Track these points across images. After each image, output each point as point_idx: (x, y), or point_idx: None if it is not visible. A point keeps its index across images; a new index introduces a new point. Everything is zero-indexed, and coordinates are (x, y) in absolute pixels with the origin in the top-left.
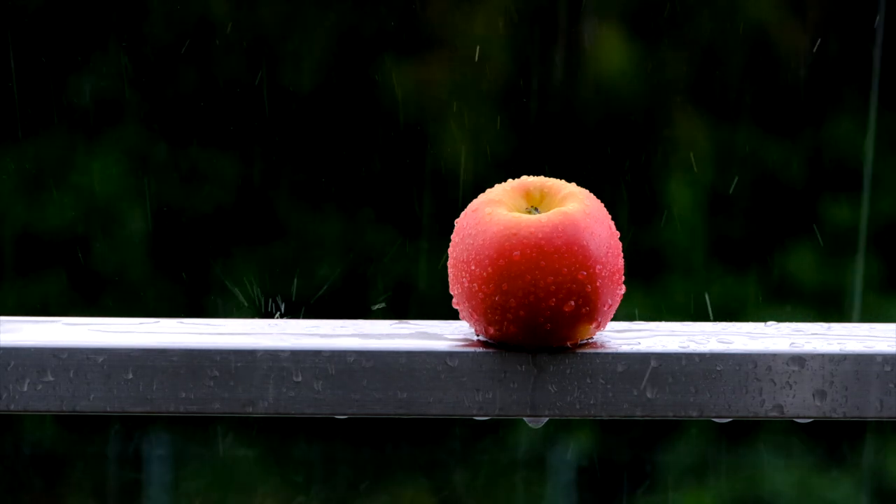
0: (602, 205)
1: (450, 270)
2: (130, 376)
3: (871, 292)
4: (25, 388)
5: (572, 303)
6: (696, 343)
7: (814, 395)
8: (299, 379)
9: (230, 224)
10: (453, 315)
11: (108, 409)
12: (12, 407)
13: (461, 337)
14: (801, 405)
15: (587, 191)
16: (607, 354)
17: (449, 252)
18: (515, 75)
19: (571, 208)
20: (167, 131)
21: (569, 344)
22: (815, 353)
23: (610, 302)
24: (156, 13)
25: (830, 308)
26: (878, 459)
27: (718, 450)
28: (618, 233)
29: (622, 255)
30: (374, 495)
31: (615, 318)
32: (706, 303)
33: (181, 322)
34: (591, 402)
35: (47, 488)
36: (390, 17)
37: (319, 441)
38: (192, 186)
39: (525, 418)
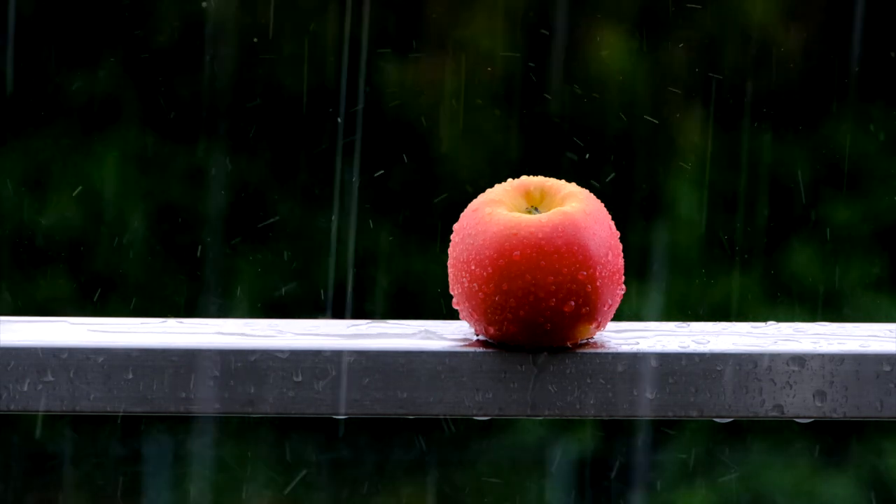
0: (602, 205)
1: (450, 270)
2: (130, 376)
3: (871, 292)
4: (25, 388)
5: (572, 303)
6: (696, 343)
7: (814, 395)
8: (299, 379)
9: (230, 224)
10: (453, 315)
11: (108, 409)
12: (12, 407)
13: (461, 337)
14: (801, 405)
15: (587, 191)
16: (607, 354)
17: (449, 252)
18: (515, 75)
19: (571, 208)
20: (167, 131)
21: (569, 344)
22: (815, 353)
23: (610, 302)
24: (156, 12)
25: (830, 308)
26: (877, 459)
27: (718, 450)
28: (618, 233)
29: (622, 255)
30: (373, 495)
31: (615, 318)
32: (706, 303)
33: (181, 322)
34: (591, 402)
35: (47, 488)
36: (390, 17)
37: (319, 441)
38: (192, 186)
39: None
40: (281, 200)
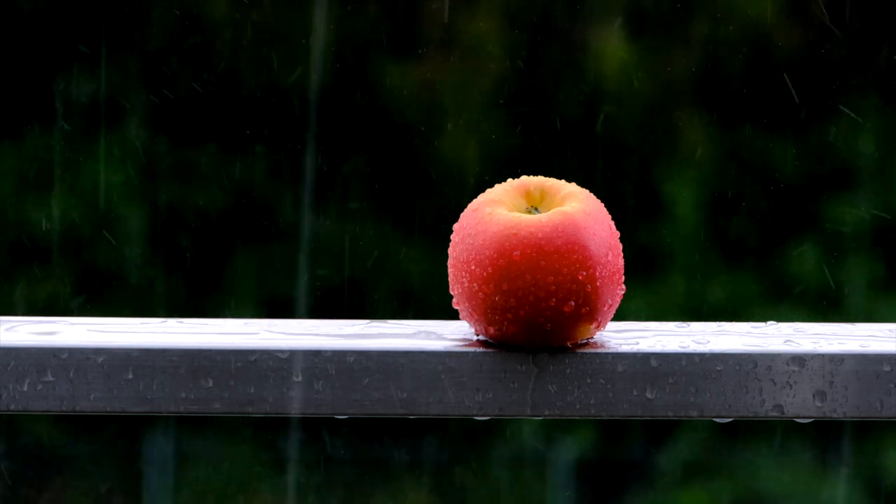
0: (602, 205)
1: (450, 270)
2: (130, 376)
3: (871, 292)
4: (25, 388)
5: (572, 303)
6: (696, 343)
7: (814, 396)
8: (299, 379)
9: (230, 224)
10: (453, 315)
11: (108, 409)
12: (12, 407)
13: (461, 337)
14: (801, 405)
15: (587, 191)
16: (607, 354)
17: (449, 252)
18: (515, 75)
19: (571, 208)
20: (167, 131)
21: (569, 344)
22: (815, 353)
23: (610, 302)
24: (156, 12)
25: (830, 308)
26: (877, 459)
27: (718, 450)
28: (618, 233)
29: (622, 255)
30: (373, 495)
31: (615, 318)
32: (706, 303)
33: (181, 322)
34: (591, 402)
35: (47, 488)
36: (390, 17)
37: (318, 441)
38: (192, 186)
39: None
40: (281, 200)
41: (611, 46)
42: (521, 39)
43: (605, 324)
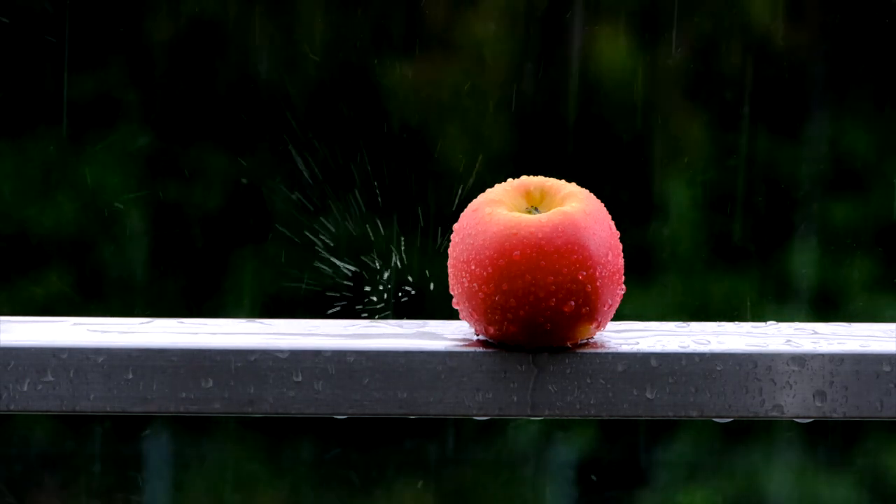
0: (602, 205)
1: (450, 270)
2: (130, 376)
3: (870, 292)
4: (25, 388)
5: (572, 303)
6: (696, 343)
7: (814, 395)
8: (299, 379)
9: (230, 224)
10: (453, 315)
11: (108, 409)
12: (12, 407)
13: (461, 337)
14: (801, 405)
15: (587, 191)
16: (607, 354)
17: (449, 252)
18: (515, 75)
19: (571, 208)
20: (167, 131)
21: (569, 344)
22: (815, 353)
23: (610, 302)
24: (156, 12)
25: (830, 308)
26: (878, 459)
27: (718, 450)
28: (618, 233)
29: (622, 254)
30: (373, 495)
31: (615, 318)
32: (706, 303)
33: (181, 322)
34: (591, 402)
35: (47, 488)
36: (390, 17)
37: (318, 441)
38: (191, 186)
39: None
40: (281, 200)
41: (610, 46)
42: (520, 38)
43: (605, 324)
